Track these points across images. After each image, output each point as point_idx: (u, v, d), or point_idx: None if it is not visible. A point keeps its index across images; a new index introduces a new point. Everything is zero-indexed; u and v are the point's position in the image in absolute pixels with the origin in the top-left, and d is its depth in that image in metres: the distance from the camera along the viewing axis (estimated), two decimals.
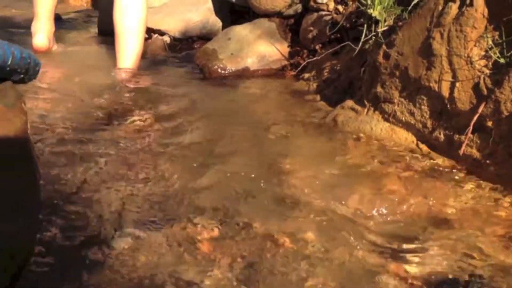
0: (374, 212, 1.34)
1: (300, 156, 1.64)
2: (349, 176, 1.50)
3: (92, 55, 2.85)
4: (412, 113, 1.68)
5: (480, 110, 1.46)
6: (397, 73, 1.71)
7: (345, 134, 1.78)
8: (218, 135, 1.80)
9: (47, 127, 1.78)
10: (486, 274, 1.10)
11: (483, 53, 1.49)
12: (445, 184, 1.45)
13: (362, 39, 1.95)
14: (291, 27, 2.66)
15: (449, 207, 1.36)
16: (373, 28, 1.93)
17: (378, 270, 1.13)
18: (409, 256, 1.18)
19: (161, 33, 3.27)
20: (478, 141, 1.49)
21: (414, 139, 1.69)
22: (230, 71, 2.54)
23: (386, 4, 1.89)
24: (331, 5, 2.37)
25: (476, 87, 1.48)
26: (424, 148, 1.66)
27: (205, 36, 3.15)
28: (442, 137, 1.60)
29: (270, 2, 2.63)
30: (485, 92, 1.46)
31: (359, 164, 1.56)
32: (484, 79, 1.46)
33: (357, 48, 1.97)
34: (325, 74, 2.27)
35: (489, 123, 1.45)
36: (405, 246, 1.22)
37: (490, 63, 1.47)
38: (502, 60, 1.43)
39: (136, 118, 1.96)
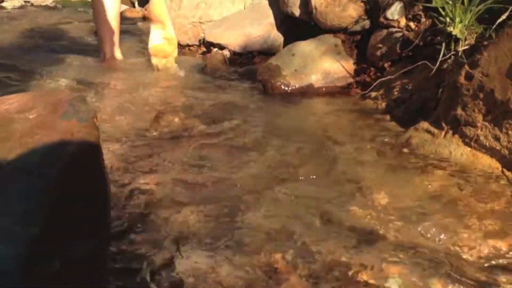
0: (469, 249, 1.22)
1: (375, 181, 1.54)
2: (432, 204, 1.39)
3: None
4: (497, 138, 1.56)
5: None
6: (481, 95, 1.59)
7: (421, 158, 1.67)
8: (284, 156, 1.73)
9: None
10: None
11: None
12: None
13: (440, 58, 1.84)
14: (357, 43, 2.57)
15: None
16: (452, 47, 1.82)
17: None
18: None
19: (221, 47, 3.26)
20: None
21: (499, 165, 1.57)
22: (294, 87, 2.47)
23: (467, 22, 1.78)
24: (403, 22, 2.27)
25: None
26: (510, 175, 1.53)
27: (266, 51, 3.11)
28: None
29: (337, 18, 2.56)
30: None
31: (441, 191, 1.45)
32: None
33: (434, 68, 1.86)
34: (395, 93, 2.16)
35: None
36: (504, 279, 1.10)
37: None
38: None
39: (196, 132, 1.92)
